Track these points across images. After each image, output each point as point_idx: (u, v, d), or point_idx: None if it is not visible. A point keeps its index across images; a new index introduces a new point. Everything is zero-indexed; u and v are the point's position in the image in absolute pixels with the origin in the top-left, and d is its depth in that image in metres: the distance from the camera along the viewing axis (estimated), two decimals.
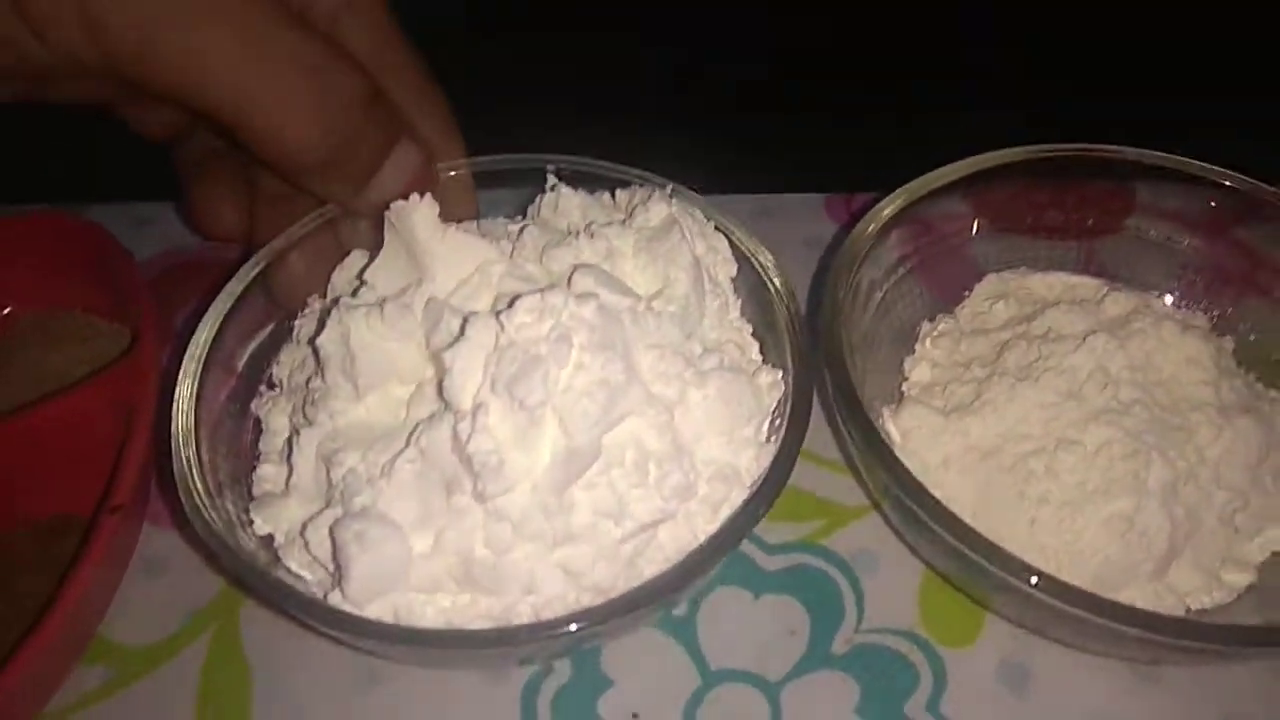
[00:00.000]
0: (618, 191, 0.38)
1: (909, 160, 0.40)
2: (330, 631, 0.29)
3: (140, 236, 0.47)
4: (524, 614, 0.30)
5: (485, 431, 0.29)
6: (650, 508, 0.31)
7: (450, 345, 0.30)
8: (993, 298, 0.42)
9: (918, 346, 0.41)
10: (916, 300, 0.42)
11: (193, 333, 0.34)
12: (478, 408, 0.29)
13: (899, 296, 0.41)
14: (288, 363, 0.36)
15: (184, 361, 0.33)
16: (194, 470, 0.31)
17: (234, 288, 0.35)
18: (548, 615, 0.30)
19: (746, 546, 0.38)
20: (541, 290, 0.30)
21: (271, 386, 0.36)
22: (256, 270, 0.35)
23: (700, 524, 0.32)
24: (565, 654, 0.35)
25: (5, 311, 0.45)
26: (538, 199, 0.38)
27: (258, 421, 0.35)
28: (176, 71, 0.27)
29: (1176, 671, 0.35)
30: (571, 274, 0.32)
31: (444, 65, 0.36)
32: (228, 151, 0.34)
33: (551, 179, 0.38)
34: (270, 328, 0.37)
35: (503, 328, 0.30)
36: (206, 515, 0.30)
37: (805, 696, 0.34)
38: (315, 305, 0.38)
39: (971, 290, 0.43)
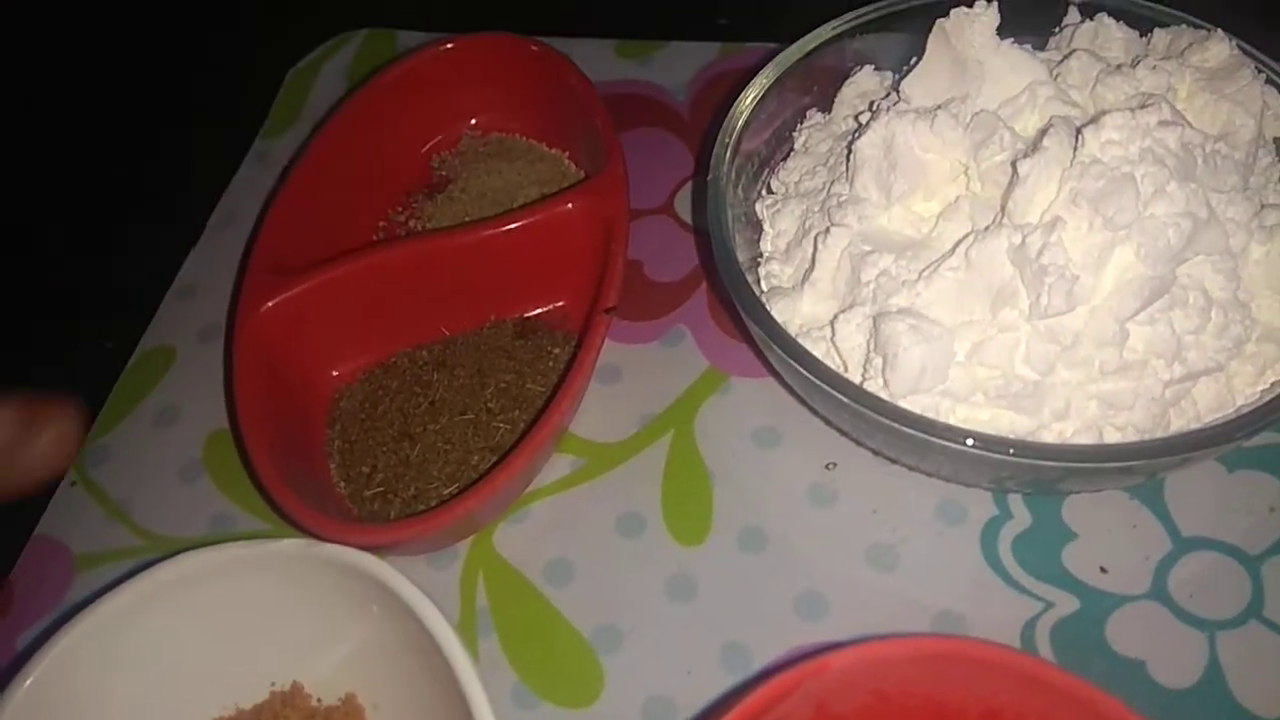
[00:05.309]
0: (1156, 31, 0.35)
1: None
2: (874, 417, 0.29)
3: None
4: (1048, 439, 0.30)
5: (1060, 246, 0.28)
6: (1203, 356, 0.29)
7: (1023, 156, 0.29)
8: None
9: None
10: None
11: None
12: (1054, 221, 0.28)
13: None
14: (796, 169, 0.36)
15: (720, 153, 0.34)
16: (734, 251, 0.32)
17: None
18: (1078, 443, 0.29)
19: None
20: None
21: (770, 192, 0.37)
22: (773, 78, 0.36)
23: (1240, 384, 0.30)
24: (1063, 490, 0.34)
25: (472, 122, 0.46)
26: (1068, 30, 0.36)
27: (756, 224, 0.36)
28: None
29: None
30: (1135, 105, 0.31)
31: None
32: None
33: (1075, 13, 0.36)
34: (765, 137, 0.38)
35: (1084, 143, 0.29)
36: (755, 290, 0.31)
37: None
38: (817, 117, 0.38)
39: None
